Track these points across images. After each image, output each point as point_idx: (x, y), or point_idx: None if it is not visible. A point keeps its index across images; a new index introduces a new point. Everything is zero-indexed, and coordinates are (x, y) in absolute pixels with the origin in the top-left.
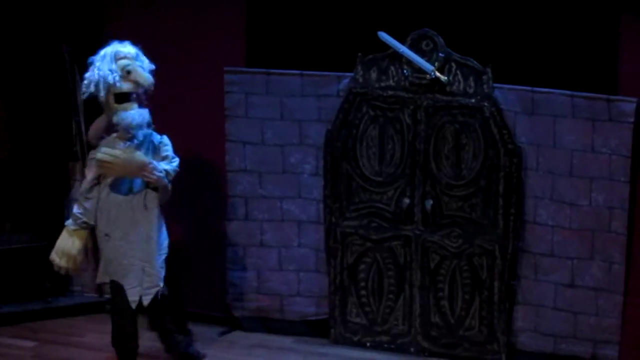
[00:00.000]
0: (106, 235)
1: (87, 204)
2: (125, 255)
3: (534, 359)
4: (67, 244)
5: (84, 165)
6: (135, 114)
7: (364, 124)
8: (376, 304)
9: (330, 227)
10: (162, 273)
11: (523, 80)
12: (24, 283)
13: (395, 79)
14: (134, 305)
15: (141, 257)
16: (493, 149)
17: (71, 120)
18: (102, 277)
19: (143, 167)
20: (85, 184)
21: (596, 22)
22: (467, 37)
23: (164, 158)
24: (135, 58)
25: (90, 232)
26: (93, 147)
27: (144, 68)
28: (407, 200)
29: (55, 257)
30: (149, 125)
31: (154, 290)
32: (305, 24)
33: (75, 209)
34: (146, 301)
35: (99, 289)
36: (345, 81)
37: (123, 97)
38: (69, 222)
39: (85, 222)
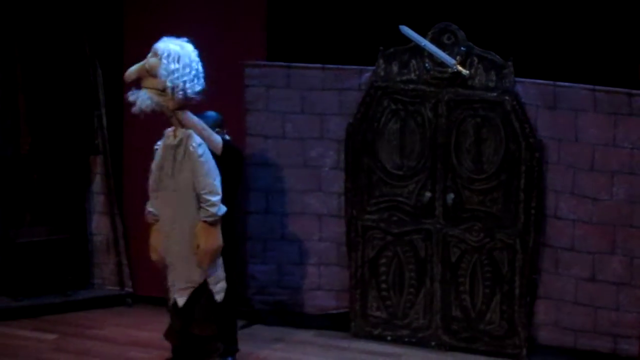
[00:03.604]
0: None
1: (153, 197)
2: (168, 252)
3: (555, 354)
4: (152, 238)
5: (105, 159)
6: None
7: (385, 117)
8: (397, 298)
9: (351, 220)
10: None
11: (544, 74)
12: (44, 276)
13: (417, 72)
14: (175, 303)
15: (179, 256)
16: (514, 143)
17: (92, 113)
18: None
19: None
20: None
21: (618, 16)
22: (488, 31)
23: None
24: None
25: None
26: None
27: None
28: (428, 194)
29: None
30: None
31: (187, 291)
32: (326, 18)
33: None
34: (181, 302)
35: (120, 281)
36: (367, 75)
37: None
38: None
39: (155, 215)
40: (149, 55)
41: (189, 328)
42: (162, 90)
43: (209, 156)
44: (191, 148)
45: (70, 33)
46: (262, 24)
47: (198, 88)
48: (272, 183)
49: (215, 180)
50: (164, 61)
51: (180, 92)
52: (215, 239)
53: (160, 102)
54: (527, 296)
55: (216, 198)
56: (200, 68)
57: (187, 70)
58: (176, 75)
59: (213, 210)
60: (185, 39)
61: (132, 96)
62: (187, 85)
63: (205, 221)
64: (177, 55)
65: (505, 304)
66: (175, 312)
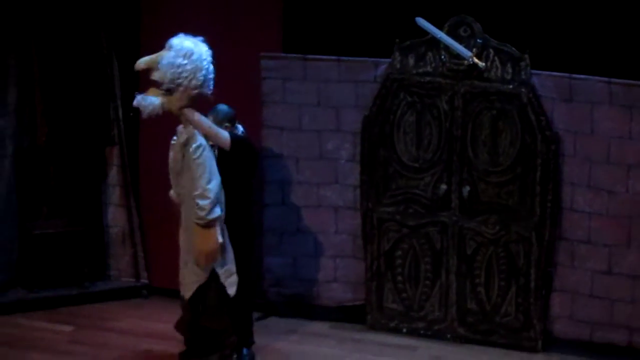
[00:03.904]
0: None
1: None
2: (181, 248)
3: (570, 346)
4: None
5: (121, 151)
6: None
7: (401, 110)
8: (412, 290)
9: (367, 213)
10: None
11: (561, 67)
12: (60, 268)
13: (433, 65)
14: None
15: (187, 252)
16: (530, 136)
17: (108, 105)
18: None
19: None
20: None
21: (635, 9)
22: (504, 23)
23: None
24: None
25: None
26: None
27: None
28: (444, 187)
29: None
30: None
31: (193, 286)
32: (343, 10)
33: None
34: (187, 295)
35: (136, 273)
36: (383, 67)
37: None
38: None
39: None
40: (164, 49)
41: (199, 321)
42: (168, 91)
43: (206, 158)
44: (190, 149)
45: (88, 26)
46: (278, 16)
47: (205, 90)
48: (288, 175)
49: (210, 184)
50: (172, 53)
51: (182, 89)
52: (209, 241)
53: (164, 104)
54: (542, 289)
55: (205, 202)
56: (211, 70)
57: (196, 69)
58: (180, 70)
59: (202, 213)
60: (201, 38)
61: (137, 102)
62: (192, 83)
63: (197, 223)
64: (190, 52)
65: (520, 296)
66: (185, 306)
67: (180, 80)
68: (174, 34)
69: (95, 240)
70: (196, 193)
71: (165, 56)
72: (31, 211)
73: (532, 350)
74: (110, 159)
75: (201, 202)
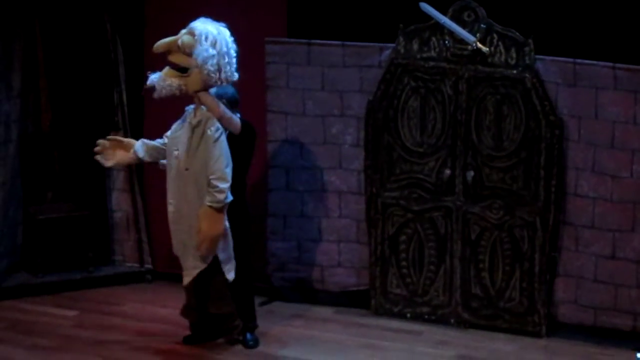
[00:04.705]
0: (169, 203)
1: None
2: (179, 230)
3: (574, 331)
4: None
5: (125, 136)
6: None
7: (405, 95)
8: (417, 275)
9: (371, 197)
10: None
11: (565, 52)
12: (65, 252)
13: (437, 50)
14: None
15: (189, 236)
16: (534, 121)
17: (113, 90)
18: None
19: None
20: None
21: None
22: (508, 8)
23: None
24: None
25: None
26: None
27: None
28: (448, 172)
29: None
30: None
31: (194, 272)
32: None
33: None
34: (186, 281)
35: (140, 258)
36: (387, 52)
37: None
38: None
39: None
40: (184, 31)
41: (206, 307)
42: (184, 70)
43: (224, 142)
44: (209, 132)
45: (92, 10)
46: (283, 1)
47: (229, 77)
48: (292, 160)
49: (227, 168)
50: (203, 43)
51: (213, 78)
52: (218, 225)
53: (181, 86)
54: (547, 274)
55: (225, 185)
56: (234, 56)
57: (223, 57)
58: (213, 61)
59: (221, 197)
60: (224, 24)
61: (152, 81)
62: (222, 73)
63: (210, 206)
64: (215, 39)
65: (525, 281)
66: (188, 291)
67: (209, 67)
68: (178, 19)
69: (99, 225)
70: (215, 176)
71: (195, 47)
72: (36, 196)
73: (536, 335)
74: None
75: (221, 185)
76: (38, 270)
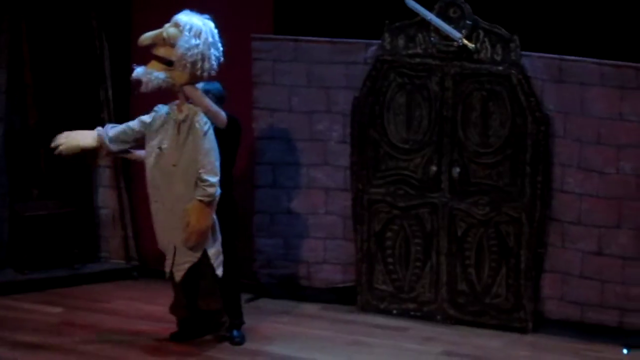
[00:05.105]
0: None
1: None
2: (166, 226)
3: (561, 327)
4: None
5: None
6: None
7: (391, 91)
8: (403, 272)
9: (357, 194)
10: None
11: (551, 48)
12: (51, 249)
13: (423, 46)
14: (168, 277)
15: (178, 232)
16: (520, 117)
17: (99, 87)
18: None
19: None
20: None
21: None
22: (494, 5)
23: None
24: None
25: None
26: None
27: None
28: (434, 168)
29: None
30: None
31: (185, 266)
32: None
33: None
34: (177, 277)
35: (126, 255)
36: (373, 49)
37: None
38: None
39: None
40: (168, 24)
41: (195, 303)
42: (170, 63)
43: (212, 136)
44: (197, 125)
45: (77, 7)
46: None
47: (214, 68)
48: (279, 157)
49: (217, 161)
50: (186, 34)
51: (197, 69)
52: (207, 219)
53: (168, 78)
54: (533, 270)
55: (215, 179)
56: (220, 48)
57: (207, 48)
58: (195, 51)
59: (211, 190)
60: (207, 16)
61: (137, 75)
62: (205, 63)
63: (201, 200)
64: (199, 31)
65: (511, 277)
66: (177, 287)
67: (194, 58)
68: (164, 15)
69: (85, 221)
70: (205, 169)
71: (180, 38)
72: (22, 193)
73: (523, 331)
74: None
75: (211, 179)
76: (24, 267)
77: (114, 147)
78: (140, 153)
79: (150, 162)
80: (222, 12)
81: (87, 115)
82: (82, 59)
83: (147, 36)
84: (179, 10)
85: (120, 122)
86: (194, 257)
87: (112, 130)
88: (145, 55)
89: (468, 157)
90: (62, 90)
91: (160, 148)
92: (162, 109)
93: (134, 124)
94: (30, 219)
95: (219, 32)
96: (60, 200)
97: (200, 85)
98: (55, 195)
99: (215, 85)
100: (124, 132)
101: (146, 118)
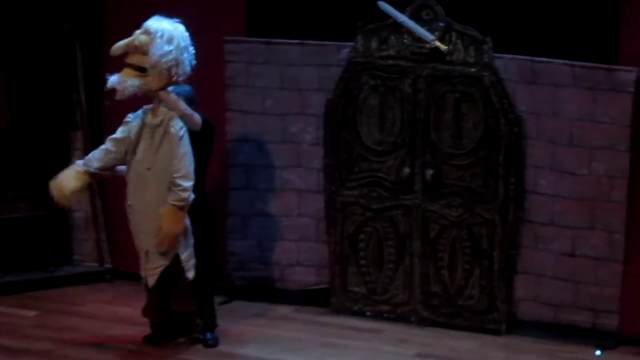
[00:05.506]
0: (129, 205)
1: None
2: (139, 230)
3: (534, 328)
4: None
5: (84, 135)
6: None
7: (364, 93)
8: (376, 274)
9: (331, 196)
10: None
11: (523, 50)
12: (25, 252)
13: (396, 48)
14: (143, 282)
15: (150, 236)
16: (493, 118)
17: (71, 90)
18: None
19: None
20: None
21: None
22: (467, 7)
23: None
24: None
25: None
26: None
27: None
28: (407, 170)
29: None
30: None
31: (157, 271)
32: None
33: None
34: (151, 282)
35: (100, 258)
36: (346, 51)
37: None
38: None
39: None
40: (139, 31)
41: (168, 305)
42: (143, 70)
43: (187, 140)
44: (172, 130)
45: (50, 9)
46: (242, 0)
47: (188, 71)
48: (252, 159)
49: (191, 166)
50: (158, 40)
51: (173, 75)
52: (180, 223)
53: (142, 85)
54: (506, 271)
55: (189, 184)
56: (192, 51)
57: (180, 52)
58: (169, 57)
59: (184, 195)
60: (177, 20)
61: (112, 84)
62: (180, 68)
63: (174, 205)
64: (171, 36)
65: (484, 279)
66: (150, 290)
67: (168, 64)
68: (138, 18)
69: (58, 224)
70: (179, 174)
71: (152, 45)
72: None
73: (496, 332)
74: (74, 144)
75: (185, 184)
76: None
77: (106, 173)
78: (121, 168)
79: (127, 166)
80: (195, 14)
81: (60, 118)
82: (55, 62)
83: (119, 46)
84: (152, 12)
85: (94, 125)
86: (166, 261)
87: (96, 162)
88: (118, 59)
89: (441, 159)
90: (35, 93)
91: (133, 154)
92: (134, 118)
93: (108, 145)
94: (3, 222)
95: (191, 35)
96: (34, 203)
97: (170, 88)
98: (29, 198)
99: (185, 88)
100: (107, 156)
101: (118, 134)
